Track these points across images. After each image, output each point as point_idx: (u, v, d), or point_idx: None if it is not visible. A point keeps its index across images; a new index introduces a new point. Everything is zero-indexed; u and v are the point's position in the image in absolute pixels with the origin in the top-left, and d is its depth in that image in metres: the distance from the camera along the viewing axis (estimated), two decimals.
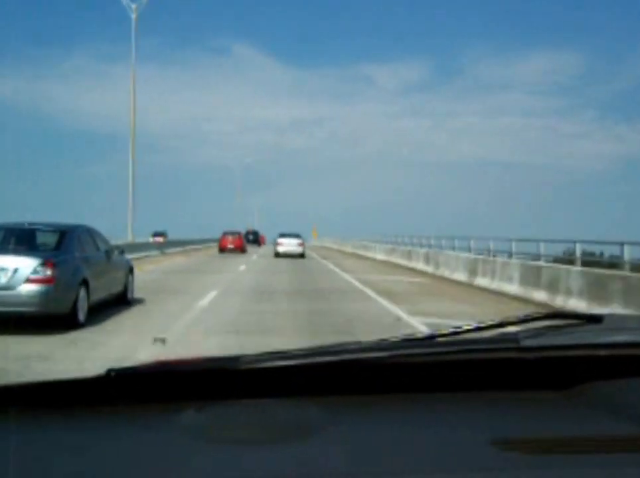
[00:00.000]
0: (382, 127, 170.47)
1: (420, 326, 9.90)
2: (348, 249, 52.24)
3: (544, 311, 1.52)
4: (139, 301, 12.74)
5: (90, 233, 11.23)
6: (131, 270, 12.91)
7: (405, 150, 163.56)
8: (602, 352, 1.14)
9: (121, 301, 12.15)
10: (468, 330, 1.22)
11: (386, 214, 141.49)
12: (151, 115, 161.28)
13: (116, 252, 12.16)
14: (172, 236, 63.92)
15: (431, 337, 1.23)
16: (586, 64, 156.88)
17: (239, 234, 46.85)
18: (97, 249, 11.18)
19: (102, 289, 10.84)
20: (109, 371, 1.06)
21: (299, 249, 36.12)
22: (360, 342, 1.19)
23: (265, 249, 52.30)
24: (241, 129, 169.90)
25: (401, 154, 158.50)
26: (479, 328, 1.22)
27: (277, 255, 35.79)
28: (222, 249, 43.70)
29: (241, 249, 44.51)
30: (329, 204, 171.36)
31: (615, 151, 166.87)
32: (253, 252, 41.81)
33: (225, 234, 46.11)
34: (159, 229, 67.34)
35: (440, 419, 1.05)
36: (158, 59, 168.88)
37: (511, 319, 1.24)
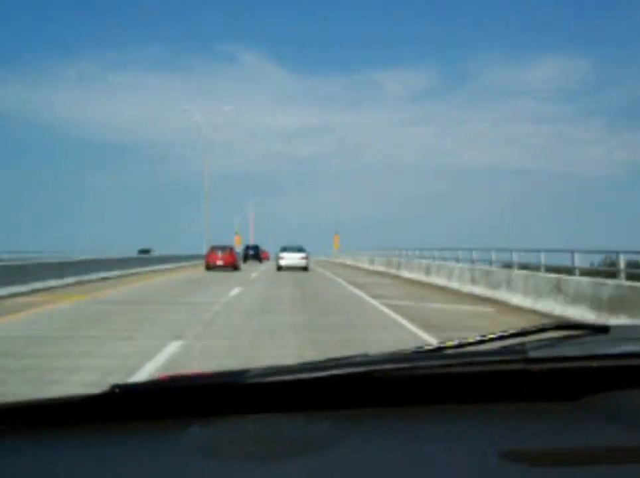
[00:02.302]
0: (391, 134, 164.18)
1: None
2: (379, 267, 39.15)
3: (551, 321, 1.47)
4: None
5: None
6: None
7: (414, 156, 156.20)
8: (610, 363, 1.14)
9: None
10: (475, 342, 1.20)
11: (396, 222, 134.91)
12: (157, 123, 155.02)
13: None
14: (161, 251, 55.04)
15: (438, 349, 1.21)
16: (595, 70, 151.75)
17: (230, 248, 38.69)
18: None
19: None
20: (114, 387, 1.04)
21: (302, 263, 35.04)
22: (367, 355, 1.18)
23: (266, 268, 43.53)
24: (248, 137, 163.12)
25: (411, 161, 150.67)
26: (486, 340, 1.20)
27: (280, 268, 34.52)
28: (210, 267, 36.20)
29: (232, 266, 36.82)
30: (338, 214, 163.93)
31: (625, 157, 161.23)
32: (240, 278, 27.25)
33: (213, 248, 38.33)
34: None
35: (449, 432, 1.04)
36: (164, 66, 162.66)
37: (517, 331, 1.21)
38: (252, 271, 35.94)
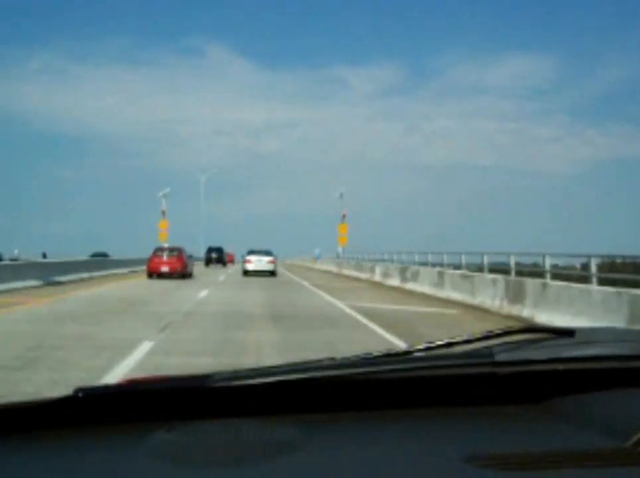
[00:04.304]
0: (357, 129, 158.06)
1: None
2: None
3: (518, 325, 1.33)
4: None
5: None
6: None
7: (380, 152, 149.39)
8: (574, 366, 1.15)
9: None
10: (442, 345, 1.18)
11: (363, 220, 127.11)
12: (124, 117, 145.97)
13: None
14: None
15: (405, 353, 1.19)
16: (559, 68, 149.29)
17: (179, 250, 29.89)
18: None
19: None
20: (77, 391, 1.01)
21: (269, 267, 33.11)
22: (334, 359, 1.15)
23: (226, 276, 34.29)
24: (214, 131, 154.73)
25: (377, 157, 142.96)
26: (453, 343, 1.18)
27: (246, 273, 32.56)
28: (152, 273, 28.47)
29: (181, 273, 28.47)
30: (305, 211, 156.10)
31: (586, 155, 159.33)
32: (178, 300, 17.52)
33: (157, 251, 29.81)
34: None
35: (415, 435, 1.03)
36: (130, 60, 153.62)
37: (485, 334, 1.20)
38: (209, 280, 27.09)
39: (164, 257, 28.63)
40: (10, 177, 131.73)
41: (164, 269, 28.16)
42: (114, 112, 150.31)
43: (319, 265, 50.68)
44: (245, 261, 33.94)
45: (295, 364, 1.12)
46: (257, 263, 33.12)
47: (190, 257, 31.78)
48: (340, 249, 46.77)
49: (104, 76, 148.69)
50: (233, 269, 43.63)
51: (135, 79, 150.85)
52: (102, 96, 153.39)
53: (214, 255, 54.71)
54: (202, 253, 57.11)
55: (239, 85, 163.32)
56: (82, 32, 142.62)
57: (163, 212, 48.10)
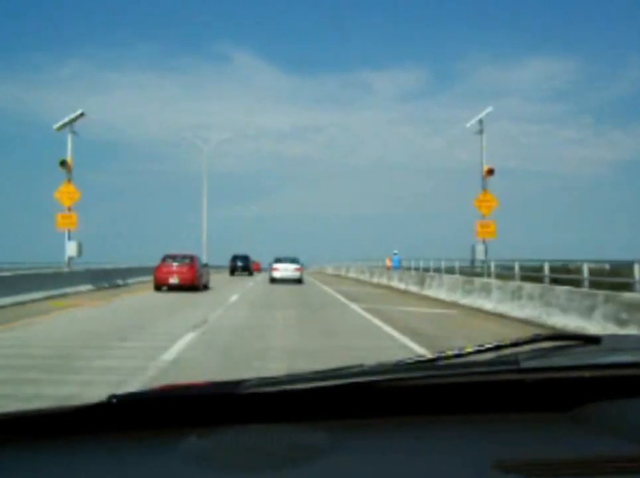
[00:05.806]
0: (381, 133, 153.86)
1: None
2: None
3: (544, 332, 1.36)
4: None
5: None
6: None
7: (405, 156, 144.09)
8: (602, 373, 1.13)
9: None
10: (469, 353, 1.18)
11: (388, 223, 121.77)
12: (150, 122, 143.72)
13: None
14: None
15: (432, 360, 1.19)
16: (582, 70, 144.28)
17: (191, 258, 25.08)
18: None
19: None
20: (111, 397, 1.03)
21: (296, 275, 33.84)
22: (362, 365, 1.16)
23: (253, 284, 29.63)
24: (240, 137, 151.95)
25: (401, 161, 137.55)
26: (479, 351, 1.18)
27: (273, 280, 33.25)
28: (160, 285, 24.20)
29: (192, 285, 24.01)
30: (330, 216, 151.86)
31: (610, 157, 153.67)
32: (163, 332, 13.59)
33: (166, 259, 24.86)
34: None
35: (442, 442, 1.03)
36: (158, 66, 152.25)
37: (511, 341, 1.20)
38: (227, 293, 22.28)
39: (174, 267, 24.02)
40: (36, 183, 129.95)
41: (173, 280, 23.63)
42: (142, 118, 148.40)
43: (458, 297, 19.22)
44: (272, 269, 34.20)
45: (324, 371, 1.12)
46: (283, 271, 33.62)
47: (205, 266, 27.12)
48: (481, 249, 23.84)
49: (133, 82, 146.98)
50: (259, 279, 39.03)
51: (162, 85, 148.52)
52: (131, 103, 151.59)
53: (239, 263, 50.14)
54: (204, 258, 51.29)
55: (265, 90, 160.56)
56: (111, 39, 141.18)
57: (64, 163, 23.83)
